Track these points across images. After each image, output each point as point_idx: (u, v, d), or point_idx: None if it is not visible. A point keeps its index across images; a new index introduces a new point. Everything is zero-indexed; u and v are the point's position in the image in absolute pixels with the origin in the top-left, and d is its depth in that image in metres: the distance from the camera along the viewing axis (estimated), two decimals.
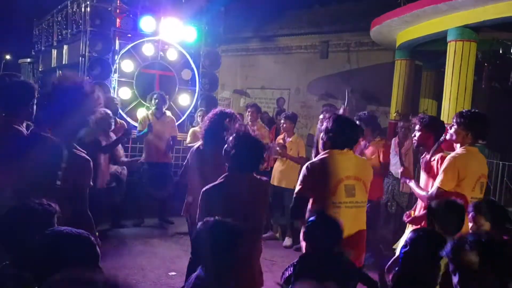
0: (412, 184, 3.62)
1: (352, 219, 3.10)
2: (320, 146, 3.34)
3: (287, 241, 6.15)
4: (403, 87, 8.96)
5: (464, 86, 6.87)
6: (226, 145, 2.84)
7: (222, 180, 2.80)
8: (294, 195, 3.17)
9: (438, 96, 8.64)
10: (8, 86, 3.09)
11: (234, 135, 2.83)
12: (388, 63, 10.14)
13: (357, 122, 5.05)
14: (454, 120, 3.45)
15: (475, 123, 3.40)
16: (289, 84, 13.15)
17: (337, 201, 3.06)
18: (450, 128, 3.48)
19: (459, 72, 6.86)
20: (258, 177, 2.94)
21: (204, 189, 2.79)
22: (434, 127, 3.66)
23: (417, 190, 3.55)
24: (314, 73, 12.67)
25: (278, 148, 6.06)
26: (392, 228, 6.03)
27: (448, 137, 3.51)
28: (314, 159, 3.28)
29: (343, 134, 3.17)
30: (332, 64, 12.20)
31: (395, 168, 6.37)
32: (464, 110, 3.51)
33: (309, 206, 3.18)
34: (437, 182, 3.32)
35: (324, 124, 3.25)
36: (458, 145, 3.44)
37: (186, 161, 4.00)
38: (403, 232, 3.81)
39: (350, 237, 3.03)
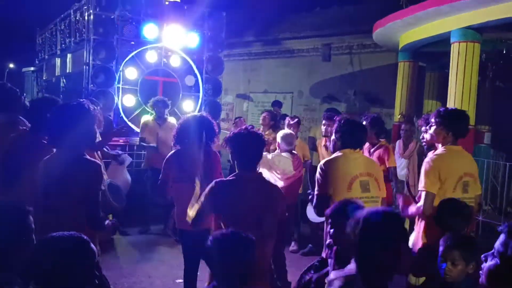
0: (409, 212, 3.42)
1: None
2: (330, 148, 3.47)
3: (294, 245, 6.13)
4: (406, 89, 8.95)
5: (469, 87, 6.85)
6: (231, 143, 2.85)
7: (233, 177, 2.80)
8: (316, 194, 3.29)
9: (442, 97, 8.63)
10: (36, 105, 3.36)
11: (237, 132, 2.86)
12: (391, 64, 10.12)
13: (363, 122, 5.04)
14: (433, 120, 3.37)
15: (454, 121, 3.32)
16: (291, 88, 13.15)
17: (354, 196, 3.13)
18: (430, 128, 3.41)
19: (463, 73, 6.83)
20: (270, 181, 2.96)
21: (216, 181, 2.78)
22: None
23: (413, 210, 3.35)
24: (316, 76, 12.67)
25: None
26: None
27: (428, 137, 3.47)
28: (328, 158, 3.41)
29: (353, 135, 3.33)
30: (334, 66, 12.20)
31: (399, 170, 6.36)
32: (441, 109, 3.41)
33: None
34: (421, 187, 3.22)
35: (335, 126, 3.41)
36: (440, 145, 3.36)
37: (162, 173, 3.82)
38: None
39: None
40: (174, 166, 3.72)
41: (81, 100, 2.96)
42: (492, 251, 1.56)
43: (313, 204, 3.33)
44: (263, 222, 2.69)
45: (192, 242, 3.68)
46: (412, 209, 3.37)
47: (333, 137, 3.44)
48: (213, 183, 2.78)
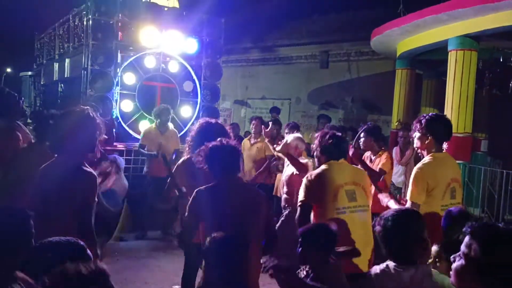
0: (390, 203, 3.49)
1: (359, 222, 3.23)
2: (316, 163, 3.52)
3: None
4: (404, 96, 8.99)
5: (466, 95, 6.89)
6: (205, 160, 2.92)
7: (214, 184, 2.87)
8: (299, 204, 3.30)
9: (439, 105, 8.66)
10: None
11: (207, 148, 2.92)
12: (389, 72, 10.18)
13: (362, 133, 5.02)
14: (414, 127, 3.42)
15: (433, 126, 3.31)
16: (289, 94, 13.20)
17: (341, 206, 3.20)
18: (414, 137, 3.45)
19: (461, 81, 6.88)
20: (253, 187, 2.97)
21: (197, 190, 2.84)
22: None
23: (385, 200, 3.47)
24: (314, 82, 12.72)
25: (280, 166, 6.00)
26: None
27: (415, 145, 3.50)
28: (314, 171, 3.44)
29: (334, 148, 3.37)
30: (332, 73, 12.25)
31: (396, 177, 6.38)
32: (422, 115, 3.44)
33: (313, 217, 3.30)
34: (408, 197, 3.25)
35: (316, 141, 3.47)
36: (425, 152, 3.38)
37: (171, 179, 3.76)
38: None
39: (361, 239, 3.18)
40: (186, 173, 3.64)
41: (85, 107, 2.94)
42: (459, 252, 1.60)
43: (297, 214, 3.31)
44: (246, 226, 2.72)
45: (196, 252, 3.65)
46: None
47: (316, 154, 3.47)
48: (194, 192, 2.84)
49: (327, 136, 3.43)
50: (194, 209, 2.83)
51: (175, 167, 3.83)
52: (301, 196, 3.30)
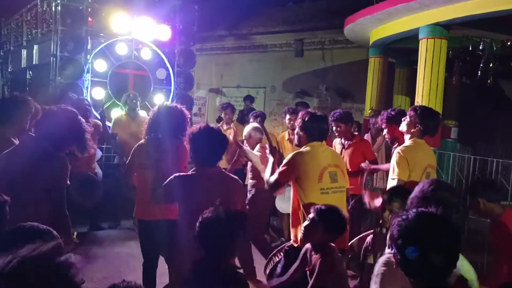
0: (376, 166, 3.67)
1: (339, 202, 3.34)
2: (296, 142, 3.51)
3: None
4: (377, 84, 9.10)
5: (436, 83, 7.02)
6: (190, 140, 2.90)
7: (192, 172, 2.85)
8: (275, 178, 3.35)
9: (411, 93, 8.81)
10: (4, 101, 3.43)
11: (196, 130, 2.88)
12: (362, 60, 10.26)
13: (333, 122, 5.04)
14: (408, 113, 3.61)
15: (425, 119, 3.54)
16: (264, 82, 13.18)
17: (325, 187, 3.31)
18: (403, 120, 3.64)
19: (431, 68, 6.99)
20: (230, 175, 2.97)
21: (176, 174, 2.83)
22: (396, 120, 3.88)
23: (384, 166, 3.62)
24: (289, 71, 12.73)
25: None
26: (368, 222, 6.12)
27: (400, 128, 3.68)
28: (299, 150, 3.47)
29: (318, 129, 3.41)
30: (307, 62, 12.28)
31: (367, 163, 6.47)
32: (418, 105, 3.66)
33: (296, 195, 3.38)
34: (395, 175, 3.43)
35: (299, 121, 3.47)
36: (408, 136, 3.59)
37: (129, 160, 3.86)
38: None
39: None
40: (142, 154, 3.72)
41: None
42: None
43: (269, 182, 3.42)
44: None
45: (150, 233, 3.65)
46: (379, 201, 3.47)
47: (298, 132, 3.47)
48: (172, 177, 2.81)
49: (311, 117, 3.42)
50: (169, 191, 2.80)
51: (134, 147, 3.87)
52: (279, 171, 3.36)
